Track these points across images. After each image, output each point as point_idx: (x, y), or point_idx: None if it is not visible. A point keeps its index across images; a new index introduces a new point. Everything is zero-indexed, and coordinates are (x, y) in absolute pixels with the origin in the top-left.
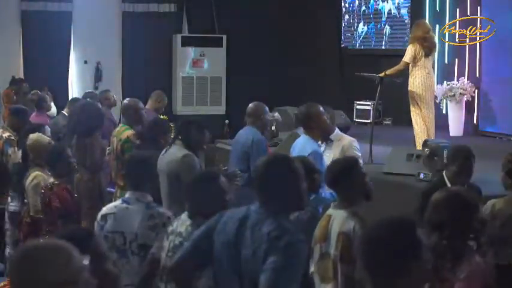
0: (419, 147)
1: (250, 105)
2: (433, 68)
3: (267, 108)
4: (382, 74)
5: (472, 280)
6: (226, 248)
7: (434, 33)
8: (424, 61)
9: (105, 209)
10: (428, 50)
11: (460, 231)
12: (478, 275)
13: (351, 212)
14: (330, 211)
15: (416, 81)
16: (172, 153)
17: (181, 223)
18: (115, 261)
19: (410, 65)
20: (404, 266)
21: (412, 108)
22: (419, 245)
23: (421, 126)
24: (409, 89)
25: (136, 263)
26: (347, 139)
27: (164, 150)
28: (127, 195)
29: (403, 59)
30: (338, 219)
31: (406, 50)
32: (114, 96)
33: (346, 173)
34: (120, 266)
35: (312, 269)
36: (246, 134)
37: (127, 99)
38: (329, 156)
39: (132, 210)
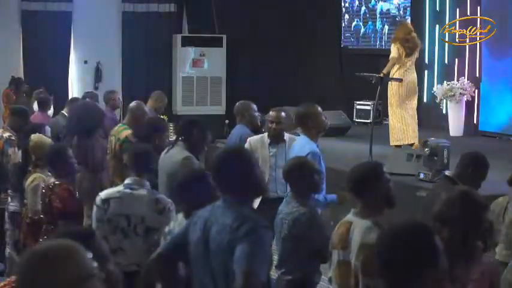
0: (392, 143)
1: (236, 104)
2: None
3: (252, 105)
4: (381, 75)
5: (484, 280)
6: (197, 245)
7: (434, 33)
8: (404, 60)
9: (105, 194)
10: (410, 50)
11: (471, 229)
12: (488, 275)
13: (374, 222)
14: (350, 217)
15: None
16: (174, 155)
17: (178, 224)
18: (120, 241)
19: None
20: (421, 272)
21: (389, 107)
22: (437, 252)
23: (395, 124)
24: (388, 88)
25: (140, 243)
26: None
27: (166, 150)
28: (128, 181)
29: (390, 56)
30: (360, 228)
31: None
32: (120, 97)
33: (371, 178)
34: (123, 246)
35: (329, 273)
36: (236, 132)
37: (135, 101)
38: (280, 156)
39: (137, 194)
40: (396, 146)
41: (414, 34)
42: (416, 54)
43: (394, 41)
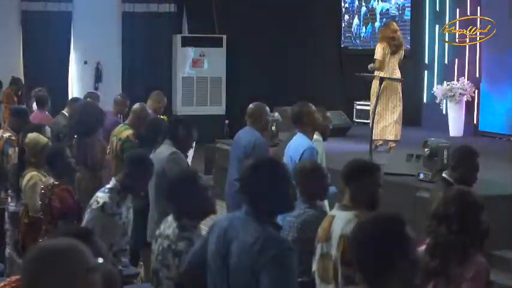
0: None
1: (250, 105)
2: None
3: (267, 109)
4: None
5: (478, 280)
6: (214, 257)
7: (434, 33)
8: (389, 59)
9: None
10: (395, 48)
11: (467, 228)
12: (483, 275)
13: (355, 214)
14: (334, 211)
15: (379, 79)
16: (161, 152)
17: (168, 225)
18: None
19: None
20: (394, 264)
21: (371, 104)
22: (408, 242)
23: (377, 121)
24: (372, 86)
25: None
26: None
27: (154, 149)
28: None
29: (376, 58)
30: (341, 220)
31: (405, 49)
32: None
33: (364, 173)
34: None
35: (313, 267)
36: (248, 136)
37: (139, 103)
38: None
39: None
40: (394, 141)
41: (400, 33)
42: (401, 54)
43: (381, 40)
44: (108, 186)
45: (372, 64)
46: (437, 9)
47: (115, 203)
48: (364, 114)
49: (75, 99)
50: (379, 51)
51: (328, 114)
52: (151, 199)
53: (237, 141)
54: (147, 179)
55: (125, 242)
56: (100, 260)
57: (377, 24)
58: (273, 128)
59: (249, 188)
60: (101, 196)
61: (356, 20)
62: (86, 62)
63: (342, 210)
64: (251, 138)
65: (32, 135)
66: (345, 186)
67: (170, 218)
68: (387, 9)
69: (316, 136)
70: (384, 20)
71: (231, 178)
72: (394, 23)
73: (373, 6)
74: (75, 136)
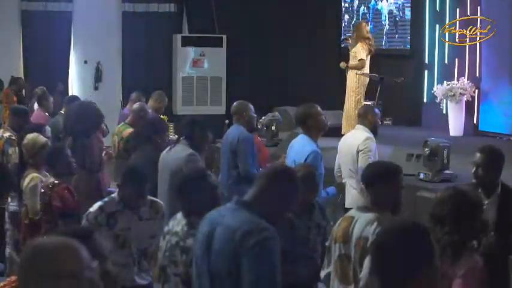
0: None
1: (234, 103)
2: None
3: (250, 106)
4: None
5: (470, 277)
6: (200, 246)
7: (434, 33)
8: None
9: None
10: (372, 48)
11: (460, 228)
12: (475, 273)
13: (376, 216)
14: (353, 212)
15: (355, 78)
16: (177, 152)
17: (177, 223)
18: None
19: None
20: (416, 272)
21: (346, 101)
22: (432, 252)
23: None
24: (347, 84)
25: None
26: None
27: (168, 148)
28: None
29: (361, 58)
30: (361, 222)
31: (405, 49)
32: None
33: (386, 176)
34: None
35: (329, 268)
36: (233, 132)
37: (139, 102)
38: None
39: None
40: None
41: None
42: (371, 54)
43: (360, 40)
44: (112, 194)
45: (344, 62)
46: (437, 9)
47: (106, 213)
48: None
49: (72, 98)
50: (361, 51)
51: (377, 110)
52: (164, 198)
53: (225, 138)
54: (137, 191)
55: (124, 255)
56: (94, 261)
57: (378, 24)
58: (273, 127)
59: (263, 189)
60: (95, 204)
61: (356, 20)
62: (86, 62)
63: (362, 212)
64: (236, 133)
65: (30, 136)
66: (367, 190)
67: (179, 215)
68: (387, 9)
69: (368, 134)
70: (385, 19)
71: (222, 176)
72: (365, 23)
73: (373, 6)
74: (71, 137)
